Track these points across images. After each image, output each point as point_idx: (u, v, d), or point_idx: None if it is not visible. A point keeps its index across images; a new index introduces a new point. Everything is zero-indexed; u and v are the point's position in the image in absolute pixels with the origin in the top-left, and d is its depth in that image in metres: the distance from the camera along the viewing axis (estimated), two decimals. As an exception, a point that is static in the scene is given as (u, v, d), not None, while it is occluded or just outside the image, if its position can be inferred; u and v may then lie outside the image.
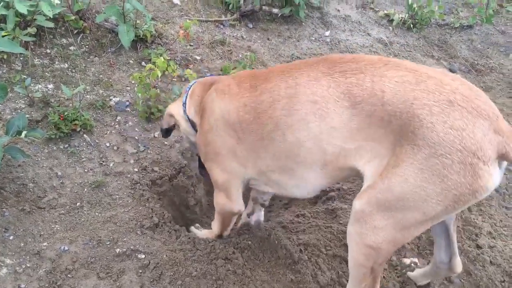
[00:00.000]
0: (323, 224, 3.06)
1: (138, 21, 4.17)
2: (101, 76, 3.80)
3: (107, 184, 3.07)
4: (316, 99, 2.08)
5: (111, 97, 3.64)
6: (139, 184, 3.11)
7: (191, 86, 2.87)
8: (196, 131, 2.77)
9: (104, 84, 3.72)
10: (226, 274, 2.59)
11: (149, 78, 3.45)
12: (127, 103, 3.62)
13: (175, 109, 2.88)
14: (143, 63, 4.03)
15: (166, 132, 2.94)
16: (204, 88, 2.73)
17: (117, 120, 3.48)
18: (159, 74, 3.38)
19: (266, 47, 4.78)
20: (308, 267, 2.72)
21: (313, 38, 5.05)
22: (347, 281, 2.69)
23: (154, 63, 3.41)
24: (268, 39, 4.92)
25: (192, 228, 3.08)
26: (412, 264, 2.84)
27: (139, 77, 3.39)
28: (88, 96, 3.59)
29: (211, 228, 2.96)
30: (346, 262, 2.81)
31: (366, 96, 1.95)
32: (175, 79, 3.93)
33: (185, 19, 4.72)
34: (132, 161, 3.26)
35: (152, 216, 2.91)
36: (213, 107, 2.50)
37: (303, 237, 2.93)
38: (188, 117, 2.79)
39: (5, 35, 3.42)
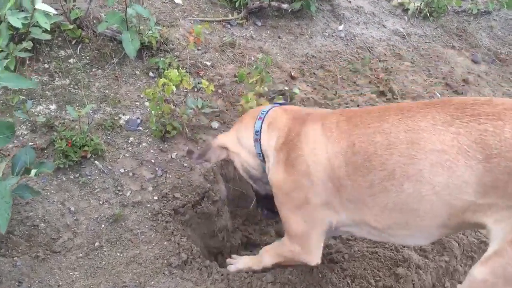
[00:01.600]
0: (366, 249, 2.79)
1: (141, 27, 3.83)
2: (106, 91, 3.47)
3: (125, 217, 2.77)
4: (444, 148, 1.81)
5: (120, 115, 3.32)
6: (160, 215, 2.82)
7: (267, 112, 2.48)
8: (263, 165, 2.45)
9: (111, 100, 3.39)
10: (270, 318, 2.33)
11: (162, 92, 3.13)
12: (138, 121, 3.30)
13: (229, 140, 2.56)
14: (150, 73, 3.70)
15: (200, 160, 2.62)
16: (295, 119, 2.35)
17: (129, 142, 3.16)
18: (174, 89, 3.06)
19: (277, 47, 4.45)
20: (358, 303, 2.46)
21: (326, 34, 4.73)
22: (402, 315, 2.44)
23: (166, 76, 3.09)
24: (279, 37, 4.59)
25: (229, 260, 2.80)
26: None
27: (152, 93, 3.07)
28: (95, 116, 3.26)
29: (254, 255, 2.70)
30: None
31: (504, 149, 1.68)
32: (187, 90, 3.61)
33: (189, 20, 4.38)
34: (150, 188, 2.95)
35: (180, 252, 2.63)
36: (315, 147, 2.16)
37: (347, 266, 2.66)
38: (260, 149, 2.42)
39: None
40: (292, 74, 4.09)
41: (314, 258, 2.33)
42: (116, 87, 3.52)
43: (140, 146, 3.16)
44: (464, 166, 1.77)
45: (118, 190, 2.90)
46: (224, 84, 3.78)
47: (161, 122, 3.21)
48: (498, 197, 1.75)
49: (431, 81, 4.34)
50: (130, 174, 3.00)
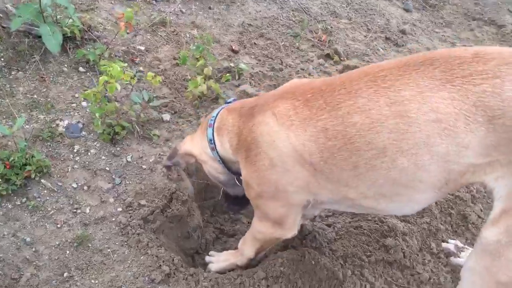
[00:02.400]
0: (350, 225, 2.73)
1: (58, 16, 3.38)
2: (34, 96, 3.06)
3: (91, 238, 2.49)
4: (439, 117, 1.67)
5: (57, 122, 2.94)
6: (129, 227, 2.56)
7: (216, 116, 2.32)
8: (229, 168, 2.35)
9: (42, 106, 2.99)
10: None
11: (104, 91, 2.79)
12: (80, 125, 2.95)
13: (195, 147, 2.42)
14: (80, 68, 3.31)
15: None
16: (240, 116, 2.19)
17: (75, 151, 2.82)
18: (118, 87, 2.74)
19: (210, 19, 4.17)
20: (355, 282, 2.41)
21: (259, -1, 4.50)
22: (398, 287, 2.43)
23: (105, 72, 2.74)
24: (209, 8, 4.29)
25: (208, 258, 2.69)
26: (456, 250, 2.63)
27: (94, 94, 2.73)
28: (27, 126, 2.87)
29: (231, 249, 2.63)
30: (390, 264, 2.55)
31: (508, 108, 1.58)
32: (129, 82, 3.27)
33: (110, 1, 3.96)
34: (111, 200, 2.67)
35: (160, 265, 2.41)
36: (274, 140, 1.98)
37: (336, 247, 2.59)
38: (219, 156, 2.31)
39: None
40: (233, 47, 3.85)
41: (291, 232, 2.28)
42: (44, 89, 3.11)
43: (89, 154, 2.83)
44: (465, 131, 1.67)
45: (75, 208, 2.59)
46: (165, 69, 3.48)
47: (107, 124, 2.88)
48: (499, 154, 1.68)
49: (371, 37, 4.29)
50: (85, 187, 2.68)
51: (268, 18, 4.25)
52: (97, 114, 2.81)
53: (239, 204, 2.59)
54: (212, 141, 2.30)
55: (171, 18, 3.99)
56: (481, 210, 2.86)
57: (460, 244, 2.63)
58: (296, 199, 2.10)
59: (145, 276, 2.37)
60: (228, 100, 2.48)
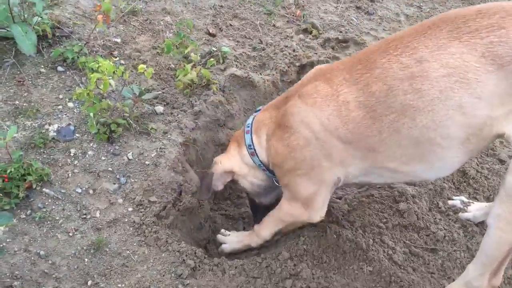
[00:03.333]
0: (360, 195, 2.78)
1: (25, 15, 3.18)
2: (16, 102, 2.88)
3: (107, 242, 2.41)
4: (450, 71, 1.76)
5: (46, 127, 2.79)
6: (144, 226, 2.50)
7: (252, 122, 2.44)
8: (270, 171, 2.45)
9: (27, 111, 2.83)
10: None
11: (96, 89, 2.68)
12: (72, 127, 2.81)
13: (233, 163, 2.50)
14: (59, 67, 3.13)
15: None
16: (275, 108, 2.34)
17: (72, 155, 2.70)
18: (113, 83, 2.63)
19: (181, 3, 4.04)
20: (378, 250, 2.47)
21: (226, -22, 4.39)
22: (417, 248, 2.51)
23: (96, 69, 2.62)
24: (177, -8, 4.16)
25: (220, 238, 2.76)
26: (462, 205, 2.73)
27: (87, 93, 2.61)
28: (16, 135, 2.71)
29: (248, 231, 2.71)
30: (405, 227, 2.62)
31: None
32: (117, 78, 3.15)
33: (74, -7, 3.75)
34: (120, 200, 2.58)
35: (184, 260, 2.38)
36: (303, 118, 2.10)
37: (353, 218, 2.64)
38: (261, 162, 2.41)
39: None
40: (210, 31, 3.77)
41: (319, 213, 2.36)
42: (25, 94, 2.94)
43: (87, 156, 2.72)
44: (476, 82, 1.76)
45: (85, 214, 2.50)
46: (146, 60, 3.36)
47: (101, 123, 2.77)
48: None
49: (342, 7, 4.31)
50: (90, 191, 2.58)
51: (240, -2, 4.18)
52: (91, 114, 2.69)
53: (265, 214, 2.64)
54: (252, 146, 2.39)
55: (141, 6, 3.84)
56: (478, 165, 2.98)
57: (465, 200, 2.74)
58: (328, 175, 2.17)
59: (171, 272, 2.33)
60: (258, 108, 2.57)
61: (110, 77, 2.64)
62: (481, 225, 2.63)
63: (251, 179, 2.54)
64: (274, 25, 3.99)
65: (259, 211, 2.69)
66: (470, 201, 2.75)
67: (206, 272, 2.37)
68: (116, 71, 2.65)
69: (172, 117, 3.00)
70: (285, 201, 2.40)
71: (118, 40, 3.49)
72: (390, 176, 2.18)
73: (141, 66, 2.73)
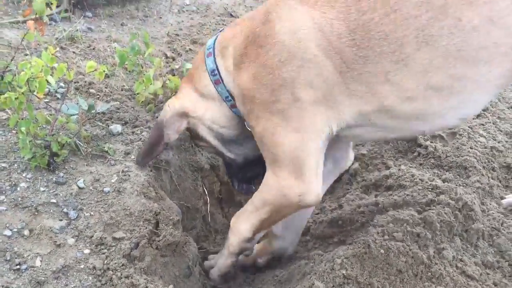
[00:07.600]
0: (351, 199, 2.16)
1: None
2: None
3: (53, 299, 1.58)
4: None
5: (-41, 158, 2.00)
6: (110, 271, 1.69)
7: (214, 42, 1.86)
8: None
9: None
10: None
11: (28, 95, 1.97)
12: (-4, 155, 2.03)
13: (190, 100, 1.89)
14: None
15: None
16: (252, 19, 1.72)
17: (1, 189, 1.90)
18: (52, 82, 1.93)
19: (128, 34, 3.47)
20: (443, 263, 1.80)
21: (176, 10, 3.93)
22: (487, 255, 1.89)
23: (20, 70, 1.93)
24: (122, 24, 3.63)
25: (207, 263, 2.20)
26: None
27: (16, 98, 1.89)
28: None
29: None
30: (428, 224, 1.99)
31: None
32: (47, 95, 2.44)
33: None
34: (71, 241, 1.78)
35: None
36: (294, 22, 1.54)
37: (386, 229, 1.97)
38: (228, 93, 1.79)
39: None
40: (168, 55, 3.21)
41: (314, 187, 1.65)
42: None
43: (18, 189, 1.92)
44: None
45: (18, 264, 1.66)
46: (92, 82, 2.69)
47: (38, 145, 2.01)
48: None
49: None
50: (25, 232, 1.77)
51: (194, 26, 3.70)
52: (22, 129, 1.93)
53: (249, 177, 2.06)
54: (216, 71, 1.79)
55: (80, 33, 3.23)
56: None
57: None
58: (314, 118, 1.57)
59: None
60: (220, 29, 1.98)
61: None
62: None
63: (211, 120, 1.90)
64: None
65: (237, 176, 2.09)
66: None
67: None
68: (60, 66, 1.97)
69: (134, 136, 2.30)
70: (269, 172, 1.73)
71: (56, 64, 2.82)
72: (399, 126, 1.61)
73: (90, 63, 2.07)
